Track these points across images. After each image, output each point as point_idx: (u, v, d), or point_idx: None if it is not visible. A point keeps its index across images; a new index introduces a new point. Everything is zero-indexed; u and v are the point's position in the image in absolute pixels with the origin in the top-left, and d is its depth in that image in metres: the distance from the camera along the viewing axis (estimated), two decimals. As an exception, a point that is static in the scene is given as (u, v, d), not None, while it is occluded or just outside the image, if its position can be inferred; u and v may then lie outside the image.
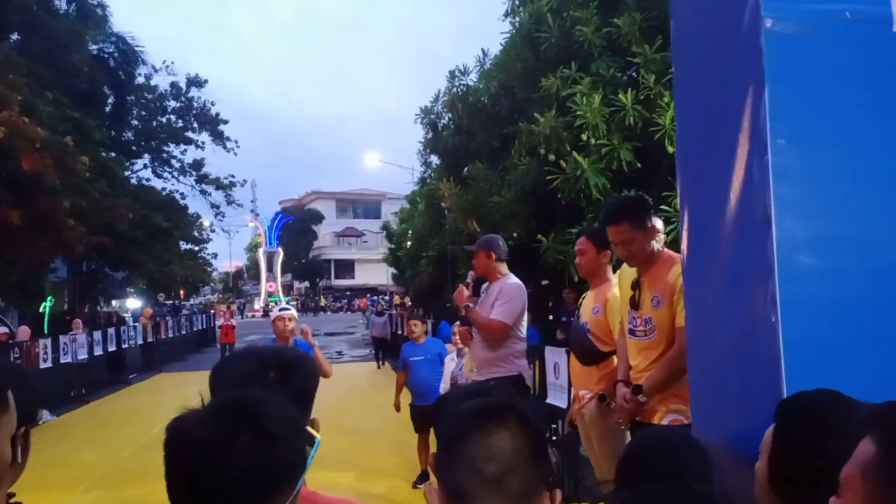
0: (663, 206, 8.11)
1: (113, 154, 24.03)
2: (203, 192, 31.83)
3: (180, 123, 30.74)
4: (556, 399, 6.02)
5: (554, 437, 6.00)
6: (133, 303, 34.81)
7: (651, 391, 3.24)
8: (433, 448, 1.23)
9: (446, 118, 15.34)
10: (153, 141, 30.12)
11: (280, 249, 61.02)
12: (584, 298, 4.26)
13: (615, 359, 3.76)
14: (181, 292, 38.48)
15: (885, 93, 1.73)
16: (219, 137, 31.19)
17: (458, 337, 6.50)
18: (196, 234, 32.57)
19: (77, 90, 21.12)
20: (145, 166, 30.95)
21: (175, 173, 31.33)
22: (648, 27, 10.06)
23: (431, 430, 6.82)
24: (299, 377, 1.60)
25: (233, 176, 32.34)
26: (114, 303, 35.60)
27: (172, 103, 30.39)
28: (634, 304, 3.39)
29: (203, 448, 1.07)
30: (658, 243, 3.38)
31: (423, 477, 6.83)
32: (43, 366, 12.07)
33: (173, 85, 29.86)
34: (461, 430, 1.15)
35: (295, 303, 54.53)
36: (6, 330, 15.22)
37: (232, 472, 1.06)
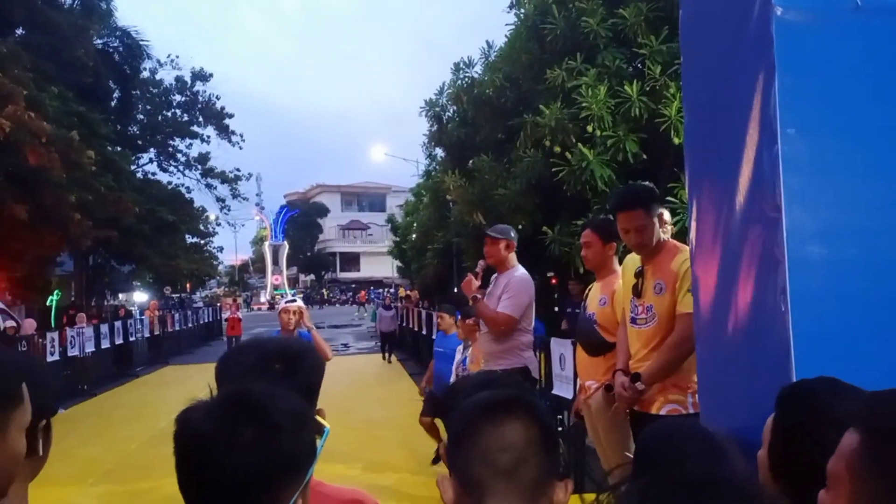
0: (669, 198, 8.08)
1: (118, 148, 24.09)
2: (208, 186, 31.91)
3: (186, 117, 30.78)
4: (562, 390, 6.02)
5: (560, 429, 6.00)
6: (140, 296, 34.94)
7: (650, 379, 3.24)
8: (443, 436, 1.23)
9: (451, 111, 15.32)
10: (159, 135, 30.18)
11: (285, 243, 61.16)
12: (590, 290, 4.26)
13: None
14: (187, 286, 38.58)
15: (894, 83, 1.71)
16: (224, 131, 31.23)
17: (461, 330, 6.54)
18: (202, 227, 32.67)
19: (82, 84, 21.15)
20: (151, 160, 31.05)
21: (181, 167, 31.42)
22: (654, 18, 10.02)
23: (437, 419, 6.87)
24: (305, 369, 1.60)
25: (238, 170, 32.43)
26: (120, 296, 35.73)
27: (178, 97, 30.46)
28: (637, 291, 3.40)
29: (209, 441, 1.07)
30: (665, 233, 3.40)
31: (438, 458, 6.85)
32: (50, 359, 12.13)
33: (178, 79, 29.92)
34: (473, 422, 1.16)
35: (300, 295, 54.69)
36: (13, 323, 15.28)
37: (238, 465, 1.06)
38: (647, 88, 9.77)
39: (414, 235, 25.69)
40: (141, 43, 26.46)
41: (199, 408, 1.14)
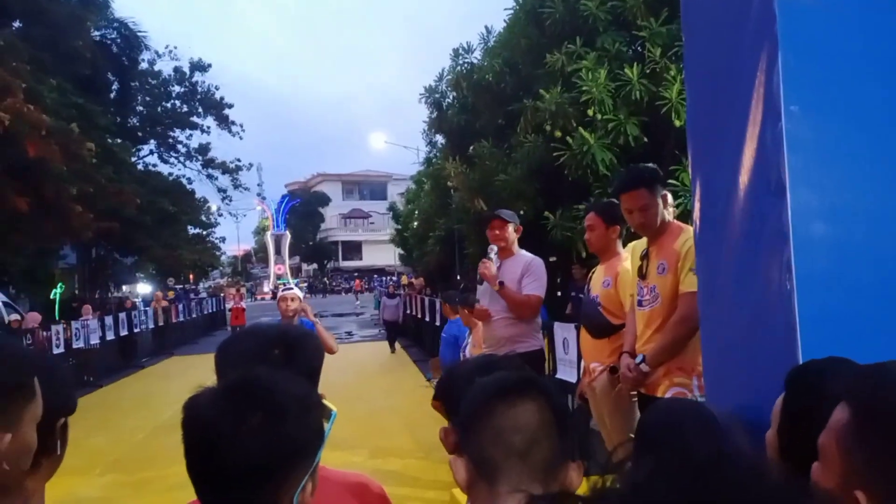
0: (671, 181, 8.05)
1: (118, 140, 24.07)
2: (209, 177, 31.90)
3: (185, 108, 30.73)
4: (566, 374, 6.03)
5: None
6: (143, 287, 34.99)
7: (654, 359, 3.24)
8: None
9: (451, 97, 15.26)
10: (158, 126, 30.14)
11: (287, 232, 61.13)
12: (593, 273, 4.25)
13: None
14: (190, 277, 38.63)
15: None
16: (224, 121, 31.19)
17: (462, 317, 6.54)
18: (203, 218, 32.69)
19: (80, 76, 21.11)
20: (151, 152, 31.04)
21: (181, 158, 31.40)
22: (653, 0, 9.94)
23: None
24: (304, 354, 1.60)
25: (239, 160, 32.41)
26: (124, 288, 35.78)
27: (177, 88, 30.39)
28: (642, 273, 3.40)
29: (217, 427, 1.08)
30: (669, 215, 3.40)
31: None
32: (55, 351, 12.16)
33: (177, 70, 29.86)
34: (487, 403, 1.18)
35: (304, 284, 54.71)
36: (18, 317, 15.33)
37: (246, 450, 1.06)
38: (648, 71, 9.72)
39: (415, 223, 25.66)
40: (139, 34, 26.40)
41: (206, 395, 1.15)
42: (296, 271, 67.14)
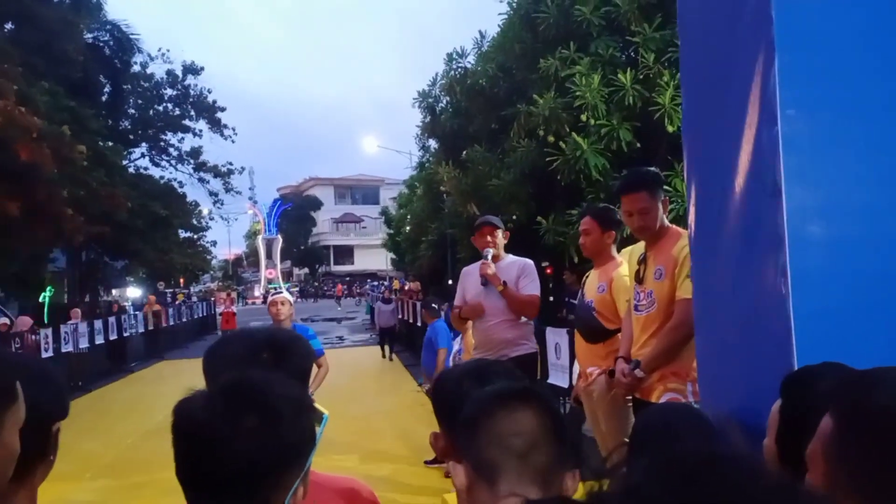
0: (664, 186, 8.07)
1: (110, 143, 23.96)
2: (201, 180, 31.81)
3: (177, 111, 30.65)
4: (557, 379, 6.03)
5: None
6: (133, 291, 34.83)
7: (649, 365, 3.24)
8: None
9: (444, 101, 15.29)
10: (150, 129, 30.05)
11: (279, 236, 61.01)
12: (587, 277, 4.25)
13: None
14: (181, 281, 38.48)
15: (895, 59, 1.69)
16: (216, 125, 31.12)
17: (455, 322, 6.54)
18: (195, 222, 32.59)
19: (72, 79, 21.03)
20: (143, 155, 30.91)
21: (173, 161, 31.29)
22: (647, 5, 10.00)
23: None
24: (293, 358, 1.59)
25: (231, 163, 32.33)
26: (114, 292, 35.61)
27: (169, 91, 30.30)
28: (639, 278, 3.39)
29: (210, 430, 1.07)
30: (667, 220, 3.40)
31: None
32: (44, 355, 12.08)
33: (169, 73, 29.78)
34: (489, 408, 1.21)
35: (295, 289, 54.56)
36: (7, 321, 15.22)
37: (240, 453, 1.05)
38: (641, 77, 9.76)
39: (408, 227, 25.65)
40: (131, 37, 26.31)
41: (198, 398, 1.13)
42: (287, 275, 66.98)
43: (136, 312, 19.53)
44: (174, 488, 1.12)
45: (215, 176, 31.69)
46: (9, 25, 20.54)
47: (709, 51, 2.06)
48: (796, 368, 1.63)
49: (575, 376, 5.09)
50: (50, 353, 12.44)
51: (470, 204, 12.74)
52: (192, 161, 31.29)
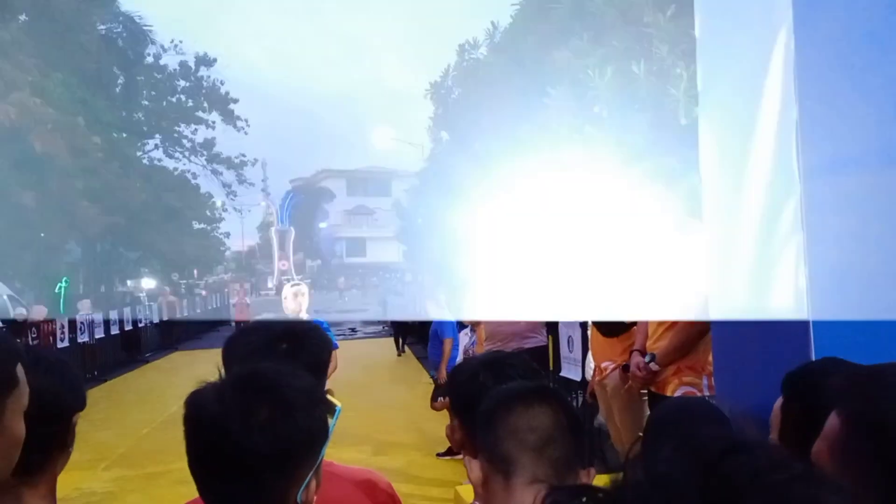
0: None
1: (124, 135, 24.07)
2: (214, 172, 31.91)
3: (190, 103, 30.71)
4: (570, 372, 6.00)
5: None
6: (148, 282, 35.05)
7: (664, 359, 3.23)
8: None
9: (457, 93, 15.22)
10: (164, 121, 30.13)
11: (292, 228, 61.15)
12: None
13: None
14: (195, 272, 38.67)
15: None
16: (229, 116, 31.17)
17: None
18: (208, 213, 32.68)
19: (86, 71, 21.11)
20: (156, 146, 31.00)
21: (186, 153, 31.38)
22: (661, -4, 9.89)
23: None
24: (311, 348, 1.58)
25: (244, 155, 32.38)
26: (128, 283, 35.83)
27: (182, 83, 30.36)
28: None
29: (222, 423, 1.06)
30: None
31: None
32: (59, 346, 12.19)
33: (182, 64, 29.82)
34: (506, 404, 1.23)
35: (308, 280, 54.70)
36: (24, 311, 15.35)
37: (253, 445, 1.04)
38: (655, 68, 9.67)
39: (420, 220, 25.62)
40: (144, 28, 26.37)
41: (210, 390, 1.12)
42: (300, 267, 67.20)
43: (151, 303, 19.63)
44: (188, 478, 1.12)
45: (228, 168, 31.81)
46: (23, 17, 20.63)
47: (727, 36, 2.04)
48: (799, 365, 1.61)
49: (589, 370, 5.08)
50: (66, 344, 12.54)
51: (482, 196, 12.71)
52: (205, 153, 31.40)
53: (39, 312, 13.92)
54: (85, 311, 14.81)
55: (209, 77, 30.53)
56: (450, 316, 7.64)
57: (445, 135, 17.62)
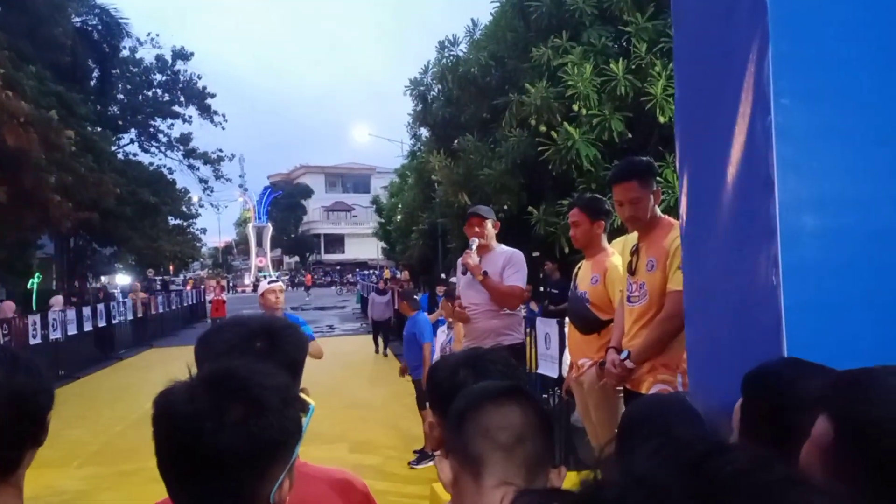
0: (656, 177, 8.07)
1: (98, 129, 23.77)
2: (191, 167, 31.68)
3: (167, 97, 30.47)
4: (547, 369, 6.03)
5: (546, 407, 6.01)
6: (122, 278, 34.66)
7: (639, 356, 3.24)
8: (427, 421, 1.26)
9: (436, 90, 15.22)
10: (139, 115, 29.86)
11: (269, 224, 60.85)
12: (579, 268, 4.24)
13: None
14: (170, 268, 38.34)
15: (891, 49, 1.68)
16: (206, 111, 30.97)
17: (444, 310, 6.51)
18: (184, 209, 32.43)
19: (60, 64, 20.83)
20: (132, 141, 30.72)
21: (162, 148, 31.14)
22: (640, -5, 9.96)
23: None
24: (286, 347, 1.56)
25: (221, 150, 32.21)
26: (102, 279, 35.42)
27: (158, 77, 30.12)
28: (631, 269, 3.39)
29: (194, 421, 1.05)
30: (659, 211, 3.40)
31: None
32: (32, 342, 12.01)
33: (159, 58, 29.57)
34: (476, 404, 1.23)
35: (286, 277, 54.44)
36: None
37: (225, 445, 1.03)
38: (633, 67, 9.74)
39: (399, 216, 25.62)
40: (120, 21, 26.10)
41: (181, 388, 1.11)
42: (277, 264, 66.85)
43: (125, 300, 19.40)
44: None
45: (205, 163, 31.58)
46: (-5, 9, 20.31)
47: (702, 40, 2.04)
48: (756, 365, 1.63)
49: (566, 367, 5.09)
50: (38, 340, 12.35)
51: (461, 193, 12.72)
52: (181, 147, 31.14)
53: (9, 308, 13.71)
54: (57, 307, 14.60)
55: (186, 71, 30.34)
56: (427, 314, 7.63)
57: (424, 131, 17.61)
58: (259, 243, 60.01)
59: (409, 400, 9.03)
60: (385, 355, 15.44)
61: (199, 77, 30.73)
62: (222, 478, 1.04)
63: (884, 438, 0.93)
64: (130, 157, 29.51)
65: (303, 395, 1.23)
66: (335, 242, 71.76)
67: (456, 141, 13.29)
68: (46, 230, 21.27)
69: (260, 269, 56.19)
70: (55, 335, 13.16)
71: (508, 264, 4.65)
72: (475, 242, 4.72)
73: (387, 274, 26.63)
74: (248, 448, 1.04)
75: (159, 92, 30.45)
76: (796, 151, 1.65)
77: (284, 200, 65.83)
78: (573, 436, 5.87)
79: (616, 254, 3.86)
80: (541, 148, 10.13)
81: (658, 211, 3.39)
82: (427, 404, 5.68)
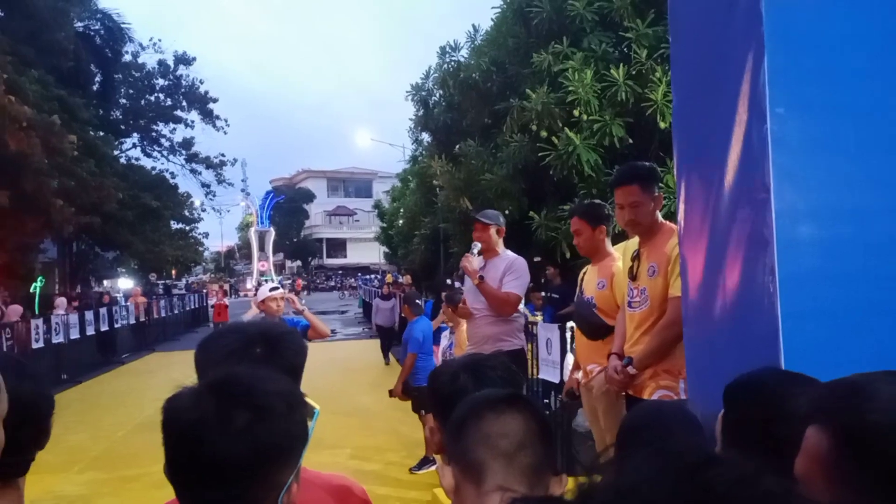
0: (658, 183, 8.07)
1: (101, 133, 23.82)
2: (193, 172, 31.74)
3: (169, 102, 30.53)
4: (548, 374, 6.03)
5: (546, 412, 6.02)
6: (124, 283, 34.68)
7: (641, 362, 3.24)
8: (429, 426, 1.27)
9: (437, 95, 15.24)
10: (142, 120, 29.92)
11: (271, 229, 60.83)
12: (584, 274, 4.23)
13: None
14: (173, 272, 38.37)
15: (886, 60, 1.70)
16: (208, 116, 31.02)
17: (446, 315, 6.54)
18: (186, 213, 32.43)
19: (62, 69, 20.88)
20: (134, 145, 30.80)
21: (164, 152, 31.19)
22: (640, 1, 9.99)
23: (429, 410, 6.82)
24: (286, 352, 1.57)
25: (223, 155, 32.24)
26: (105, 283, 35.45)
27: (160, 81, 30.18)
28: (632, 274, 3.39)
29: (202, 428, 1.05)
30: (660, 216, 3.40)
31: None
32: (34, 346, 12.03)
33: (161, 63, 29.63)
34: (477, 411, 1.23)
35: (288, 281, 54.43)
36: (-3, 311, 15.14)
37: (233, 451, 1.04)
38: (634, 72, 9.75)
39: (401, 221, 25.60)
40: (122, 26, 26.18)
41: (187, 395, 1.11)
42: (279, 268, 66.82)
43: (127, 304, 19.41)
44: (163, 482, 1.11)
45: (207, 167, 31.63)
46: (-2, 13, 20.38)
47: (700, 48, 2.06)
48: (785, 366, 1.64)
49: (567, 371, 5.10)
50: (40, 344, 12.37)
51: (462, 198, 12.72)
52: (183, 152, 31.21)
53: (15, 312, 13.73)
54: (62, 309, 14.62)
55: (188, 76, 30.42)
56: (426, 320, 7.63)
57: (426, 136, 17.63)
58: (261, 247, 59.96)
59: (410, 405, 9.03)
60: (388, 362, 15.03)
61: (202, 81, 30.86)
62: (229, 484, 1.05)
63: (883, 444, 0.92)
64: (133, 161, 29.60)
65: (308, 400, 1.24)
66: (337, 247, 71.74)
67: (457, 146, 13.29)
68: (48, 234, 21.30)
69: (262, 274, 56.12)
70: (58, 339, 13.18)
71: (509, 270, 4.66)
72: (476, 247, 4.75)
73: (389, 278, 26.62)
74: (255, 454, 1.05)
75: (161, 96, 30.52)
76: (792, 161, 1.66)
77: (287, 205, 65.82)
78: (574, 441, 5.88)
79: (621, 258, 3.87)
80: (542, 153, 10.13)
81: (660, 216, 3.39)
82: (420, 410, 5.67)
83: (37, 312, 17.49)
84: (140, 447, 7.41)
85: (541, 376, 6.21)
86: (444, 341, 6.99)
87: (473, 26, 13.82)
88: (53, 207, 17.33)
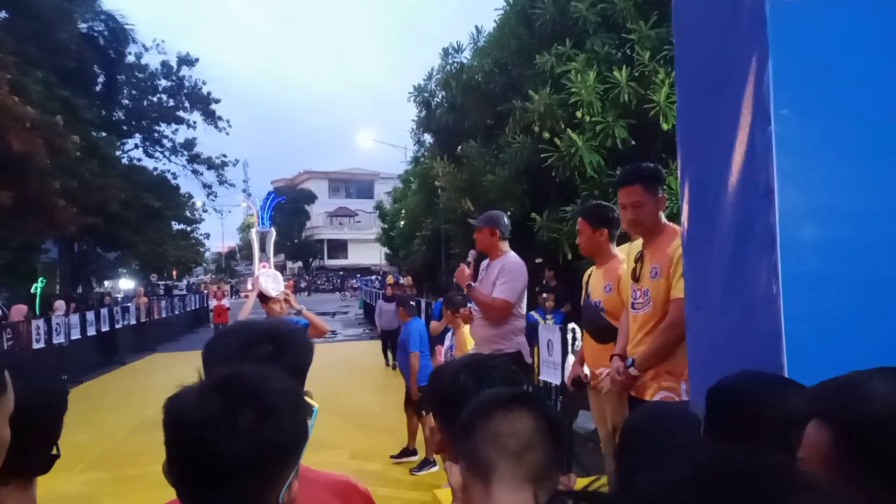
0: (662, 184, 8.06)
1: (103, 134, 23.88)
2: (195, 172, 31.78)
3: (171, 102, 30.57)
4: (549, 376, 6.03)
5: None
6: (125, 283, 34.70)
7: (643, 363, 3.25)
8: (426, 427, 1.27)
9: (440, 96, 15.24)
10: (144, 120, 29.96)
11: (273, 229, 60.81)
12: (589, 276, 4.23)
13: None
14: (174, 273, 38.38)
15: (889, 62, 1.70)
16: (210, 117, 31.05)
17: (445, 318, 6.59)
18: (188, 214, 32.50)
19: (66, 69, 20.93)
20: (136, 146, 30.84)
21: (166, 153, 31.24)
22: (643, 3, 9.99)
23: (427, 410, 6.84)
24: (293, 350, 1.57)
25: (225, 156, 32.29)
26: (106, 283, 35.47)
27: (163, 82, 30.23)
28: (635, 276, 3.40)
29: (205, 426, 1.05)
30: (664, 217, 3.40)
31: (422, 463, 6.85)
32: (36, 346, 12.04)
33: (164, 64, 29.68)
34: (486, 410, 1.24)
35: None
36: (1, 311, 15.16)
37: (237, 449, 1.04)
38: (636, 74, 9.74)
39: (402, 222, 25.62)
40: (126, 27, 26.22)
41: (190, 393, 1.11)
42: (281, 269, 66.81)
43: (128, 304, 19.41)
44: (165, 482, 1.11)
45: (209, 168, 31.67)
46: (2, 14, 20.40)
47: (703, 51, 2.07)
48: (788, 367, 1.64)
49: (568, 369, 5.10)
50: (42, 345, 12.38)
51: (464, 200, 12.72)
52: (185, 153, 31.25)
53: (19, 312, 13.74)
54: (61, 311, 14.63)
55: (191, 77, 30.46)
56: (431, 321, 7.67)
57: (428, 137, 17.63)
58: (262, 248, 59.93)
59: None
60: (387, 364, 14.81)
61: (204, 83, 30.90)
62: (232, 482, 1.05)
63: (885, 439, 0.92)
64: (135, 162, 29.65)
65: (307, 398, 1.25)
66: (338, 248, 71.75)
67: (459, 147, 13.29)
68: (51, 234, 21.32)
69: (263, 275, 56.01)
70: (59, 339, 13.19)
71: (501, 274, 4.64)
72: (472, 255, 4.78)
73: (390, 280, 26.58)
74: (259, 453, 1.05)
75: (164, 97, 30.57)
76: (795, 162, 1.67)
77: (288, 206, 65.82)
78: (575, 442, 5.88)
79: (626, 260, 3.87)
80: (544, 154, 10.13)
81: (663, 218, 3.39)
82: (415, 410, 5.68)
83: (37, 313, 17.51)
84: (142, 447, 7.41)
85: (542, 377, 6.21)
86: (446, 342, 7.01)
87: (476, 27, 13.83)
88: (56, 207, 17.35)
